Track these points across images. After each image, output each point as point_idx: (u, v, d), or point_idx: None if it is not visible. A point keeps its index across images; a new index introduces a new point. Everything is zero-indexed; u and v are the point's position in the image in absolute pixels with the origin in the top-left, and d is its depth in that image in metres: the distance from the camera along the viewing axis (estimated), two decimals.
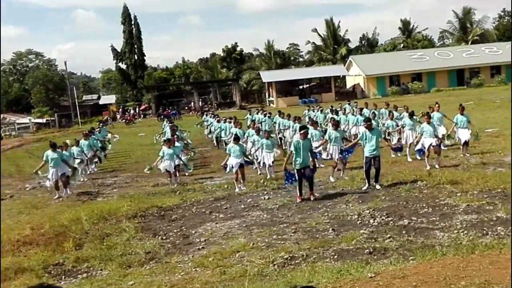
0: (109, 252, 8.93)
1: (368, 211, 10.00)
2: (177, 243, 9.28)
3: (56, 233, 10.43)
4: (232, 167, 13.56)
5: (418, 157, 14.71)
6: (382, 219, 9.39)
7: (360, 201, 10.91)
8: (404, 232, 8.55)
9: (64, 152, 15.78)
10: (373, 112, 19.10)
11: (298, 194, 11.59)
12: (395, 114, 18.24)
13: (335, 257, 7.65)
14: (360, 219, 9.58)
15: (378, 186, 11.98)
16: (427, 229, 8.65)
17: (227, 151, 14.41)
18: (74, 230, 10.45)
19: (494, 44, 59.24)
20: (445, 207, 9.86)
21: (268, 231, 9.30)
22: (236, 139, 14.41)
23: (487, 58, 54.18)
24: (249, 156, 14.93)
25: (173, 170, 15.17)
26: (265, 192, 12.70)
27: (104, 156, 22.15)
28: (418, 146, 14.37)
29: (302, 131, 12.04)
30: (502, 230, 8.15)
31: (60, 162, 14.91)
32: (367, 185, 12.10)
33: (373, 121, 17.29)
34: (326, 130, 16.30)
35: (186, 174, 16.64)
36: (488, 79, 52.57)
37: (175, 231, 10.04)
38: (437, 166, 13.84)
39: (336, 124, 14.58)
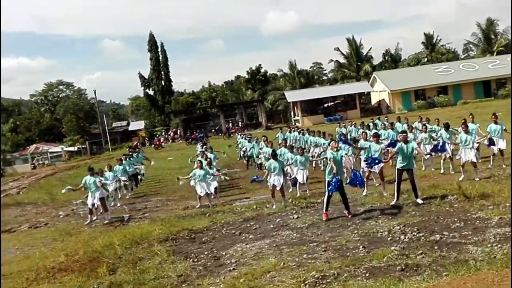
0: (142, 276, 9.04)
1: (398, 227, 9.92)
2: (208, 265, 9.34)
3: (90, 259, 10.59)
4: (274, 184, 13.72)
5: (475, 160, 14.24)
6: (413, 235, 9.30)
7: (390, 217, 10.83)
8: (436, 247, 8.45)
9: (100, 177, 16.15)
10: (410, 125, 19.01)
11: (325, 210, 11.60)
12: (428, 127, 18.10)
13: (367, 275, 7.60)
14: (390, 235, 9.51)
15: (420, 201, 11.72)
16: (459, 243, 8.53)
17: (267, 168, 14.39)
18: (107, 255, 10.61)
19: None
20: (477, 221, 9.72)
21: (298, 250, 9.30)
22: (275, 155, 14.43)
23: None
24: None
25: (204, 193, 15.35)
26: (294, 211, 12.71)
27: (140, 180, 22.56)
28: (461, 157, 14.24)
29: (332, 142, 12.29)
30: None
31: (98, 186, 15.28)
32: (395, 199, 12.02)
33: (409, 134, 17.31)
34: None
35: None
36: None
37: (206, 253, 10.12)
38: (477, 179, 13.67)
39: (377, 137, 14.35)
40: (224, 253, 9.93)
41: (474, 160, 13.95)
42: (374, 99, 58.57)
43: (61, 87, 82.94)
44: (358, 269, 7.88)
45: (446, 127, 16.35)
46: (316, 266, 8.21)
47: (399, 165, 12.12)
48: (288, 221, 11.81)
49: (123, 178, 19.09)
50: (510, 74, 52.53)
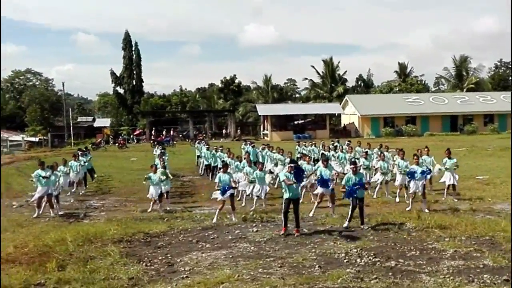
0: (92, 275, 8.78)
1: (355, 250, 9.95)
2: (161, 270, 9.15)
3: (39, 252, 10.29)
4: (223, 195, 13.46)
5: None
6: (369, 259, 9.34)
7: (348, 240, 10.86)
8: (390, 273, 8.49)
9: (54, 172, 15.71)
10: (366, 151, 19.15)
11: (283, 225, 11.60)
12: (386, 154, 18.28)
13: None
14: (347, 257, 9.52)
15: (365, 227, 11.98)
16: (413, 272, 8.59)
17: (216, 180, 14.30)
18: (58, 251, 10.32)
19: (489, 93, 60.36)
20: (433, 251, 9.83)
21: (254, 264, 9.21)
22: (225, 166, 14.32)
23: (481, 106, 55.04)
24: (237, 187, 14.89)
25: (156, 197, 15.19)
26: (254, 225, 12.63)
27: (92, 179, 22.13)
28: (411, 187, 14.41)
29: (290, 165, 12.18)
30: (488, 278, 8.11)
31: (49, 181, 14.86)
32: (347, 222, 12.12)
33: (362, 160, 17.51)
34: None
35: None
36: (481, 127, 53.29)
37: (160, 258, 9.92)
38: (426, 210, 13.85)
39: (326, 161, 14.23)
40: (178, 260, 9.75)
41: (421, 190, 14.14)
42: (344, 122, 59.31)
43: (28, 75, 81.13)
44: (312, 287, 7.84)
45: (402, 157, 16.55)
46: (271, 282, 8.13)
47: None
48: (247, 233, 11.72)
49: (76, 174, 18.74)
50: (476, 111, 54.18)
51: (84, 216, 15.02)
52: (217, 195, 13.56)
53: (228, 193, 13.38)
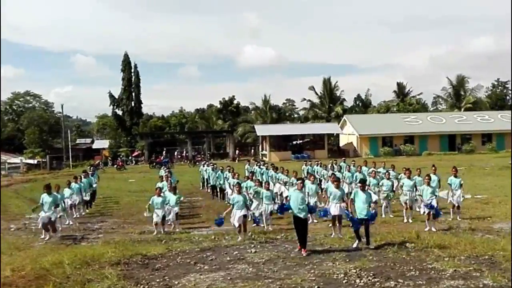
0: None
1: (355, 271, 9.87)
2: None
3: (36, 275, 10.18)
4: (235, 220, 13.55)
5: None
6: (369, 280, 9.27)
7: (347, 260, 10.79)
8: None
9: (55, 194, 15.67)
10: (373, 171, 19.21)
11: (302, 245, 11.55)
12: (392, 173, 18.29)
13: None
14: (346, 278, 9.45)
15: (372, 246, 11.89)
16: None
17: (230, 202, 14.28)
18: (55, 274, 10.21)
19: (486, 113, 60.58)
20: (432, 271, 9.76)
21: (253, 285, 9.13)
22: (239, 188, 14.35)
23: (479, 126, 55.23)
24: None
25: (160, 219, 15.14)
26: (252, 245, 12.56)
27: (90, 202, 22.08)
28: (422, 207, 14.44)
29: (298, 181, 12.26)
30: None
31: (52, 205, 14.84)
32: (357, 241, 12.03)
33: (371, 180, 17.46)
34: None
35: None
36: (480, 146, 53.37)
37: (157, 280, 9.84)
38: (433, 229, 13.83)
39: (337, 182, 13.99)
40: (176, 282, 9.67)
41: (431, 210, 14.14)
42: (343, 141, 59.40)
43: (27, 97, 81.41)
44: None
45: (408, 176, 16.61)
46: None
47: (358, 214, 12.14)
48: (246, 254, 11.64)
49: (76, 197, 18.69)
50: (474, 131, 54.33)
51: (82, 239, 14.94)
52: (235, 221, 13.66)
53: (240, 217, 13.50)
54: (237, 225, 13.62)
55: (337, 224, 13.59)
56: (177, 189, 17.22)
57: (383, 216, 16.78)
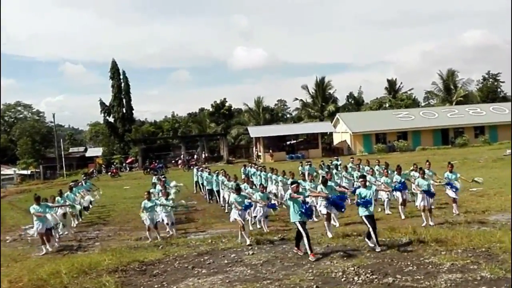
0: None
1: (352, 268, 9.88)
2: None
3: (34, 286, 10.18)
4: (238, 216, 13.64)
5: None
6: (367, 277, 9.28)
7: (345, 258, 10.79)
8: None
9: (45, 204, 15.56)
10: (371, 169, 19.26)
11: (310, 251, 11.17)
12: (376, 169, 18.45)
13: None
14: (344, 276, 9.45)
15: (378, 248, 11.39)
16: (411, 287, 8.54)
17: (232, 201, 14.24)
18: (52, 284, 10.18)
19: (478, 106, 60.83)
20: (430, 266, 9.79)
21: (251, 287, 9.12)
22: (238, 189, 14.43)
23: (471, 119, 55.46)
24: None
25: (153, 224, 15.10)
26: (250, 247, 12.54)
27: (86, 210, 21.99)
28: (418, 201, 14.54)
29: (293, 185, 12.16)
30: None
31: (46, 215, 14.74)
32: (378, 247, 11.37)
33: (370, 177, 17.46)
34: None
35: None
36: (472, 139, 53.57)
37: (156, 286, 9.81)
38: (431, 223, 13.89)
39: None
40: (175, 287, 9.65)
41: (427, 205, 14.20)
42: (336, 140, 59.51)
43: (19, 108, 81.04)
44: None
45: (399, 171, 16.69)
46: None
47: (367, 211, 11.68)
48: (243, 257, 11.63)
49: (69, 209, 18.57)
50: (467, 124, 54.56)
51: (78, 247, 14.89)
52: (235, 215, 13.71)
53: (243, 214, 13.67)
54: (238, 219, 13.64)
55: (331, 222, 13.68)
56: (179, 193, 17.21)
57: (389, 212, 16.74)
